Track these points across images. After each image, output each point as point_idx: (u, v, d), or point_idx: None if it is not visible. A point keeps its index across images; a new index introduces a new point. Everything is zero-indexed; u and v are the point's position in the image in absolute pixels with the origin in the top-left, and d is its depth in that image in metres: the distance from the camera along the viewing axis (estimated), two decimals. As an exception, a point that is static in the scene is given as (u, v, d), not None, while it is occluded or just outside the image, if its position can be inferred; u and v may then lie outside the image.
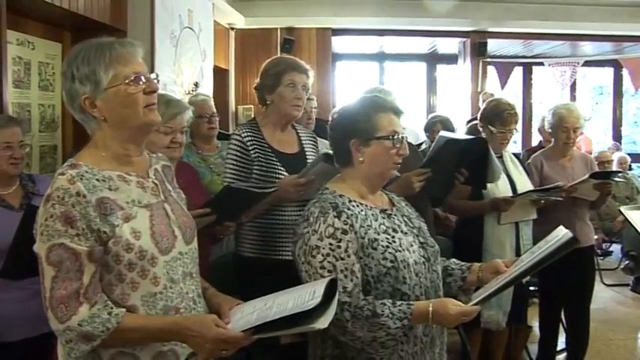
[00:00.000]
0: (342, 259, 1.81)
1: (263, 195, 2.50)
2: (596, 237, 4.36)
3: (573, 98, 9.57)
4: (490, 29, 8.12)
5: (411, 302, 1.82)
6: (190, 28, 5.37)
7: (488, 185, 3.36)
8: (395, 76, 10.03)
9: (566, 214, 3.62)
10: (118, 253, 1.55)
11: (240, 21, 7.50)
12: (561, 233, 1.82)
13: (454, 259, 2.19)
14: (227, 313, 1.68)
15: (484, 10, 7.85)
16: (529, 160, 3.98)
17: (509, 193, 3.45)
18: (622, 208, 3.50)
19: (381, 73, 9.86)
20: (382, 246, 1.88)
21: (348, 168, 2.02)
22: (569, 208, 3.66)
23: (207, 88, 5.74)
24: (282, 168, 2.77)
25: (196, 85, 5.47)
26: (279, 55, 7.52)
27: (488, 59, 8.47)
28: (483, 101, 7.31)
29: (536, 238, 3.84)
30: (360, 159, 1.97)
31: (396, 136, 1.96)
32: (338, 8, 7.73)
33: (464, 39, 8.41)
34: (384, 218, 1.97)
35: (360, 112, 2.00)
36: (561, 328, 4.18)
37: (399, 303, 1.81)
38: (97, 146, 1.65)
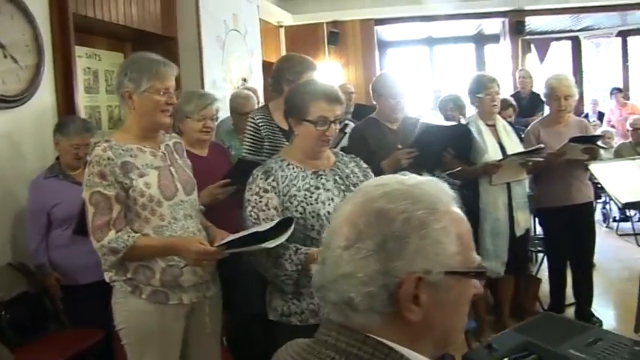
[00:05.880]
0: (263, 210, 2.27)
1: None
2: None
3: (626, 69, 9.64)
4: (527, 7, 8.37)
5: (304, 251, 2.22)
6: (236, 30, 6.03)
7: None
8: (445, 58, 10.37)
9: (561, 174, 4.05)
10: (135, 197, 2.26)
11: (288, 19, 8.17)
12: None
13: None
14: (218, 239, 2.33)
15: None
16: (528, 128, 4.40)
17: (500, 158, 3.90)
18: (591, 166, 3.80)
19: (431, 57, 10.24)
20: (297, 200, 2.28)
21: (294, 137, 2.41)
22: (564, 168, 4.06)
23: (256, 83, 6.38)
24: (287, 144, 3.33)
25: (244, 80, 6.12)
26: (326, 48, 8.15)
27: (527, 37, 8.73)
28: (520, 77, 7.63)
29: (535, 196, 4.30)
30: (296, 133, 2.36)
31: (319, 122, 2.26)
32: (379, -1, 8.20)
33: (504, 19, 8.71)
34: (312, 179, 2.33)
35: (297, 96, 2.34)
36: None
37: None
38: (125, 128, 2.40)
